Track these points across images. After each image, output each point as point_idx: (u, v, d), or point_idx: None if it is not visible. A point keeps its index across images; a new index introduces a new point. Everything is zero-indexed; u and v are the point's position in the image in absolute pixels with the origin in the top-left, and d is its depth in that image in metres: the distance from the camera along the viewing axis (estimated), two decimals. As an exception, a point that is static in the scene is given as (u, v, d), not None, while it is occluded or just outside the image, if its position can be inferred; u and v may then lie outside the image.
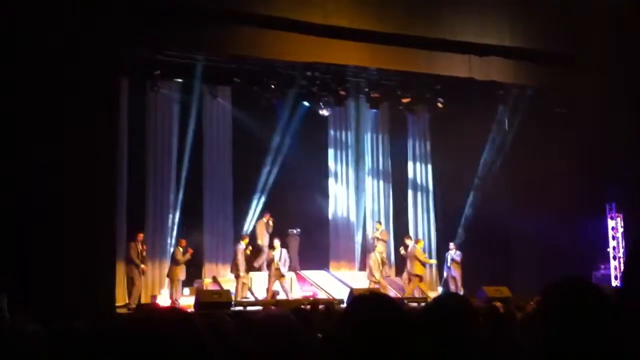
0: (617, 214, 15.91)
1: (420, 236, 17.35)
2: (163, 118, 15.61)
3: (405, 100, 15.90)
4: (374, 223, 17.14)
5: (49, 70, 10.66)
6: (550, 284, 1.94)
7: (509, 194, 15.92)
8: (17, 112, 10.51)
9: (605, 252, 15.81)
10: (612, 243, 15.84)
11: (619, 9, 13.31)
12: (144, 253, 14.01)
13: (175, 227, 15.49)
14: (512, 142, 16.11)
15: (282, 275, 14.28)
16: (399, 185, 18.09)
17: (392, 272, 16.83)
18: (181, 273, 14.07)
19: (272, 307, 11.47)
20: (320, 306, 9.41)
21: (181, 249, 14.15)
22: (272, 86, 14.45)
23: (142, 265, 13.74)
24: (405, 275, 15.90)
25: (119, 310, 12.29)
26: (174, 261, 14.09)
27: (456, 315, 2.14)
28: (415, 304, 11.78)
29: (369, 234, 17.26)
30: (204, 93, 15.55)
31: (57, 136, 10.77)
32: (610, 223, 15.97)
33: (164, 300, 14.16)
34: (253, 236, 15.55)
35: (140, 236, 14.08)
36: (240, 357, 2.36)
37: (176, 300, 13.74)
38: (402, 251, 15.79)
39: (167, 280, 14.51)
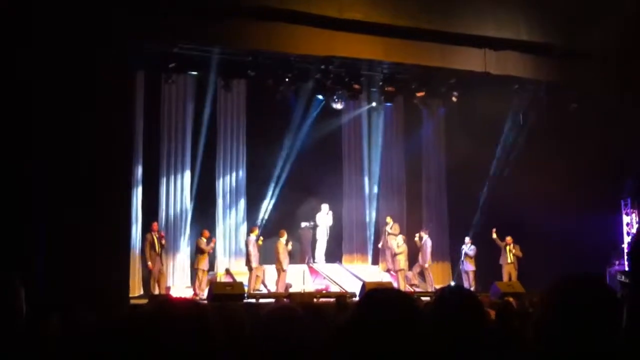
0: (632, 210, 15.78)
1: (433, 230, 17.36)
2: (177, 110, 15.68)
3: (419, 94, 15.84)
4: (387, 217, 17.11)
5: (64, 63, 10.74)
6: (553, 282, 1.89)
7: (524, 189, 15.81)
8: (33, 105, 10.60)
9: (620, 248, 15.68)
10: (627, 239, 15.72)
11: (636, 5, 13.17)
12: (162, 242, 14.05)
13: (189, 220, 15.57)
14: (527, 137, 16.01)
15: None
16: (412, 179, 18.05)
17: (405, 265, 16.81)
18: (204, 263, 14.11)
19: (285, 299, 11.52)
20: (332, 299, 9.44)
21: (204, 240, 14.20)
22: (287, 79, 14.44)
23: (149, 263, 13.72)
24: (415, 268, 15.95)
25: (134, 302, 12.37)
26: (198, 251, 14.14)
27: (459, 309, 2.13)
28: (428, 298, 11.80)
29: (382, 227, 17.24)
30: (219, 86, 15.58)
31: (72, 128, 10.86)
32: (625, 219, 15.84)
33: (177, 291, 14.24)
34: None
35: (155, 226, 14.13)
36: (250, 349, 2.39)
37: (199, 291, 13.77)
38: (417, 241, 15.92)
39: (189, 271, 14.67)
